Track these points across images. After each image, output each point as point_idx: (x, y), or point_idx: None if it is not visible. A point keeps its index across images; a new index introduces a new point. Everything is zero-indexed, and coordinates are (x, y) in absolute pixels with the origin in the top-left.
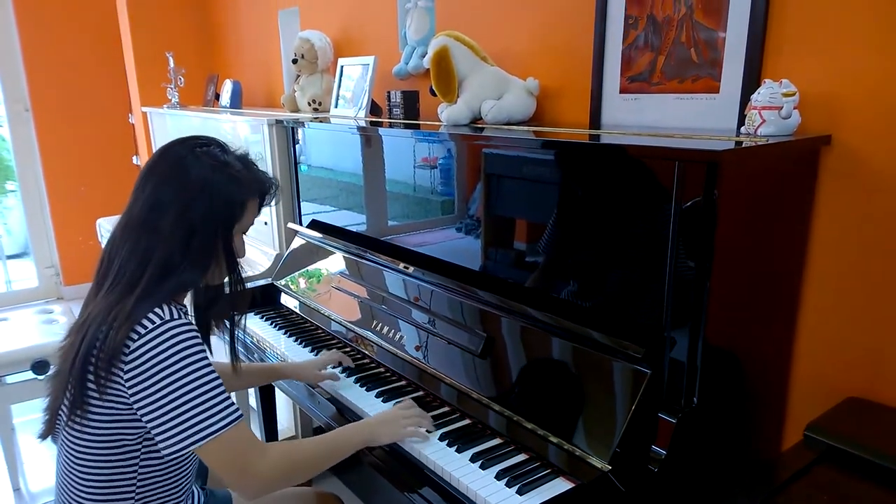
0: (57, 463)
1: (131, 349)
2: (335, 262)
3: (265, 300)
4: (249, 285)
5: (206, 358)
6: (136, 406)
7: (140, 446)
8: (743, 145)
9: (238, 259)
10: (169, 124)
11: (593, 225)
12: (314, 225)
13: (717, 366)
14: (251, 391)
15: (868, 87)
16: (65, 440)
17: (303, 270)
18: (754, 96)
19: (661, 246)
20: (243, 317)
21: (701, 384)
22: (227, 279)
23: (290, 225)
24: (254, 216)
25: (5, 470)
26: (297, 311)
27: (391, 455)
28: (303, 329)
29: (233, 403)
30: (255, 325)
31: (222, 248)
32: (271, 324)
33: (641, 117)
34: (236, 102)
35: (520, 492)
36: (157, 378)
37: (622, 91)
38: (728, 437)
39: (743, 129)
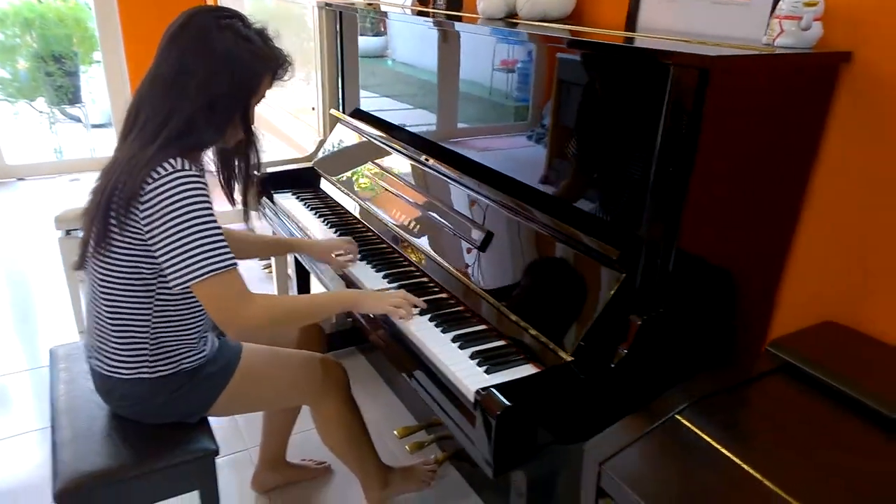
0: (87, 291)
1: (146, 191)
2: (367, 150)
3: (306, 183)
4: (293, 167)
5: (209, 208)
6: (149, 241)
7: (156, 281)
8: (746, 54)
9: (251, 124)
10: (227, 1)
11: (594, 128)
12: (356, 114)
13: (695, 275)
14: (291, 267)
15: (894, 3)
16: (92, 271)
17: (340, 157)
18: (780, 4)
19: (648, 150)
20: (255, 176)
21: (674, 291)
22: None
23: (332, 111)
24: (267, 89)
25: (73, 316)
26: (332, 196)
27: (390, 332)
28: (335, 213)
29: (229, 252)
30: (290, 205)
31: (239, 116)
32: (305, 205)
33: (676, 21)
34: None
35: (488, 371)
36: (166, 218)
37: None
38: (702, 346)
39: (763, 39)
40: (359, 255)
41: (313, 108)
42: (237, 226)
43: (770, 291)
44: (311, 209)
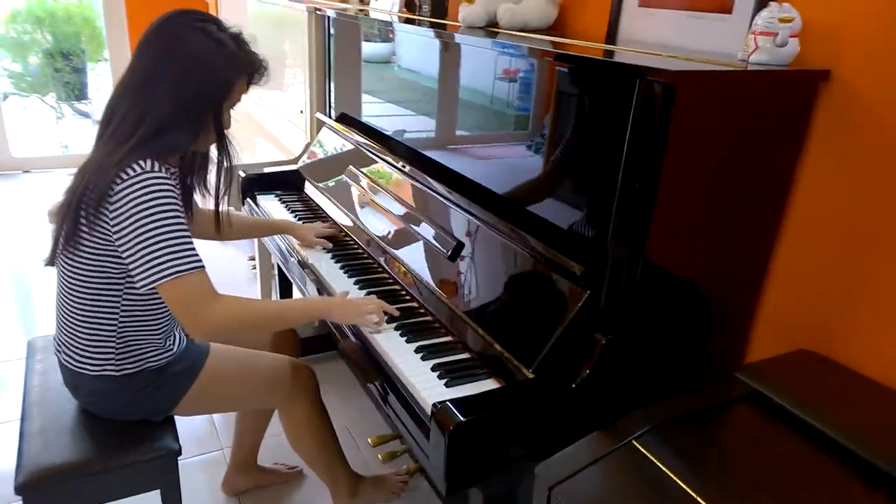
0: (56, 287)
1: (115, 191)
2: (349, 155)
3: (290, 185)
4: (278, 169)
5: (177, 210)
6: (117, 242)
7: (123, 280)
8: (714, 70)
9: (224, 130)
10: (230, 4)
11: (564, 140)
12: (342, 118)
13: (665, 294)
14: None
15: (874, 22)
16: (62, 268)
17: (323, 161)
18: (756, 19)
19: (614, 164)
20: (231, 181)
21: (641, 310)
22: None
23: (318, 115)
24: (242, 93)
25: None
26: (315, 200)
27: (356, 340)
28: (317, 216)
29: (196, 254)
30: (271, 206)
31: (212, 119)
32: (286, 208)
33: (655, 34)
34: None
35: (448, 384)
36: (133, 218)
37: (641, 4)
38: (672, 369)
39: (739, 55)
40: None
41: (301, 112)
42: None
43: (746, 315)
44: (292, 212)
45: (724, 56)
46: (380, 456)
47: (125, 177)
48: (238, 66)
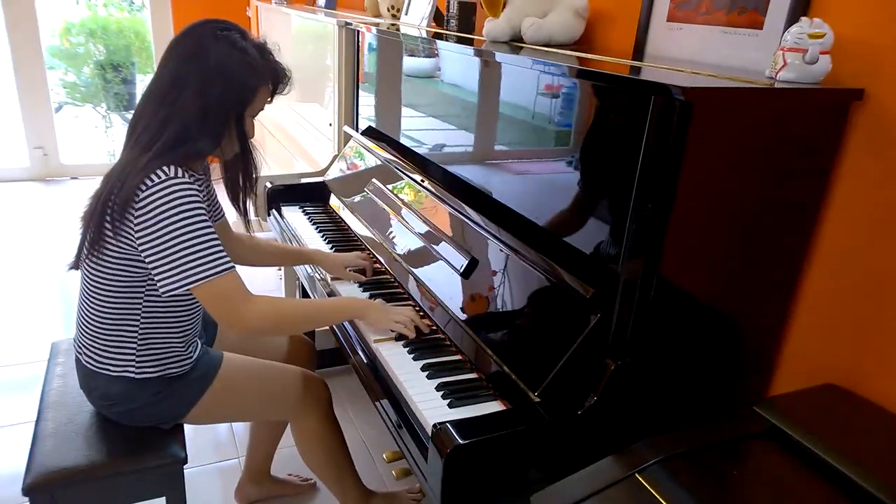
0: (79, 290)
1: (140, 198)
2: (373, 168)
3: (316, 197)
4: (305, 181)
5: (203, 215)
6: (140, 248)
7: (144, 286)
8: (736, 87)
9: (249, 138)
10: (272, 19)
11: (581, 158)
12: (369, 132)
13: (681, 320)
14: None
15: None
16: (85, 271)
17: (348, 175)
18: (784, 35)
19: (627, 183)
20: (254, 187)
21: (654, 336)
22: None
23: (345, 128)
24: (264, 102)
25: None
26: (339, 212)
27: (365, 355)
28: (339, 230)
29: (225, 256)
30: (294, 218)
31: (234, 127)
32: (309, 220)
33: (684, 50)
34: (331, 3)
35: (451, 405)
36: (158, 225)
37: (669, 19)
38: (688, 399)
39: (766, 72)
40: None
41: (330, 125)
42: (263, 235)
43: (770, 346)
44: (314, 223)
45: (754, 73)
46: (394, 472)
47: (150, 183)
48: (260, 74)
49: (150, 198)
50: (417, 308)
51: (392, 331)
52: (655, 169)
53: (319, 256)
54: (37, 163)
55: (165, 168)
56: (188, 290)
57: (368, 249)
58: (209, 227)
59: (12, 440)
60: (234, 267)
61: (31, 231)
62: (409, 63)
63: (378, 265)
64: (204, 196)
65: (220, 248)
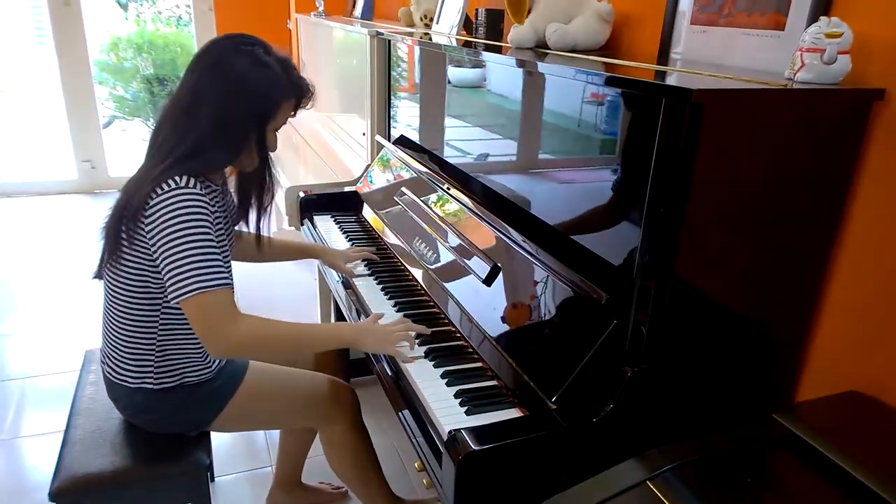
0: (102, 300)
1: (149, 206)
2: (403, 177)
3: (349, 206)
4: (338, 190)
5: (206, 226)
6: (153, 256)
7: (161, 295)
8: (749, 89)
9: (270, 152)
10: (310, 30)
11: (599, 161)
12: (401, 141)
13: (696, 325)
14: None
15: None
16: (107, 280)
17: (379, 184)
18: (803, 35)
19: (641, 186)
20: (268, 207)
21: (670, 342)
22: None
23: (377, 138)
24: (287, 116)
25: None
26: (369, 221)
27: (388, 365)
28: (370, 239)
29: (223, 272)
30: (326, 227)
31: (255, 140)
32: (340, 228)
33: (708, 53)
34: (367, 13)
35: (468, 412)
36: (163, 233)
37: (693, 21)
38: (707, 406)
39: (785, 73)
40: (376, 259)
41: (364, 134)
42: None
43: (793, 352)
44: (344, 232)
45: (777, 75)
46: (424, 481)
47: (160, 191)
48: (283, 88)
49: (157, 206)
50: (442, 315)
51: (396, 356)
52: (668, 172)
53: (321, 251)
54: (84, 175)
55: (177, 177)
56: (179, 301)
57: (398, 258)
58: (210, 239)
59: (45, 448)
60: (228, 284)
61: (77, 242)
62: (429, 68)
63: (405, 272)
64: (219, 207)
65: (218, 262)
